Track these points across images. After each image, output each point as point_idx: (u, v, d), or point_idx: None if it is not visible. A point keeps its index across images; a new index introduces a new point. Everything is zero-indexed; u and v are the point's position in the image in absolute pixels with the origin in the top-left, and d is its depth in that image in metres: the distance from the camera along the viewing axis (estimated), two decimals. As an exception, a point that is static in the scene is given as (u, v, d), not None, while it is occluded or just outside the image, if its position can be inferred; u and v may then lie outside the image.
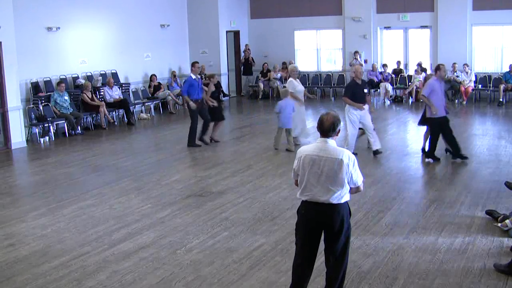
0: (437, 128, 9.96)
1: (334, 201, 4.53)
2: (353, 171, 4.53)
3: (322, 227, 4.63)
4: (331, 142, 4.57)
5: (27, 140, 13.12)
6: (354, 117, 10.43)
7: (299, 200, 4.77)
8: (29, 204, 8.31)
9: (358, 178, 4.60)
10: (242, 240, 6.58)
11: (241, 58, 21.26)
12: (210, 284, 5.45)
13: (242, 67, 21.23)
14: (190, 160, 11.14)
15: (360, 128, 10.76)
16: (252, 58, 20.90)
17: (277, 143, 11.48)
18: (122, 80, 17.04)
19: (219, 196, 8.37)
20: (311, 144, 4.71)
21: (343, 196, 4.57)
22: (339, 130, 4.62)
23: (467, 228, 6.76)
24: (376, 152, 10.62)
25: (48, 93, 14.34)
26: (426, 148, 10.33)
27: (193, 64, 12.22)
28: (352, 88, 10.52)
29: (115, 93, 15.80)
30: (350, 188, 4.61)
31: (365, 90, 10.65)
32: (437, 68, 10.11)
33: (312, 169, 4.54)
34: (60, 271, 5.82)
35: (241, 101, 20.35)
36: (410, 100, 18.21)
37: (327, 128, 4.53)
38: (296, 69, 11.92)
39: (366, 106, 10.52)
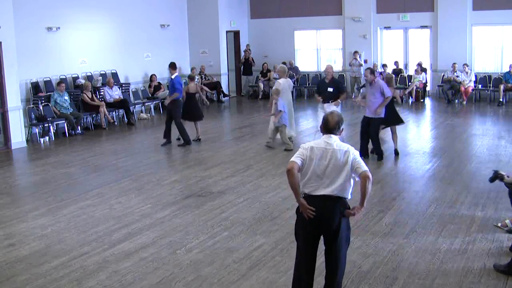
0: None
1: (336, 193, 4.58)
2: (358, 160, 4.63)
3: (322, 222, 4.60)
4: (335, 137, 4.69)
5: (27, 140, 13.12)
6: None
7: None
8: (29, 204, 8.31)
9: (364, 165, 4.64)
10: (242, 240, 6.58)
11: (241, 58, 21.25)
12: (210, 284, 5.45)
13: (242, 67, 21.22)
14: (190, 160, 11.13)
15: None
16: (252, 58, 20.90)
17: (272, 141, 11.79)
18: (122, 80, 17.04)
19: (219, 196, 8.37)
20: (316, 141, 4.75)
21: (345, 190, 4.61)
22: (343, 129, 4.78)
23: (467, 228, 6.76)
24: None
25: (48, 93, 14.34)
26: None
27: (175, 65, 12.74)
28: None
29: (115, 93, 15.80)
30: (361, 179, 4.59)
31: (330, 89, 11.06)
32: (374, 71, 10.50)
33: (319, 160, 4.60)
34: (60, 271, 5.83)
35: (241, 101, 20.35)
36: (410, 100, 18.20)
37: (332, 127, 4.68)
38: (283, 68, 12.16)
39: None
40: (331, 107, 10.52)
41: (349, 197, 4.69)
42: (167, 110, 12.59)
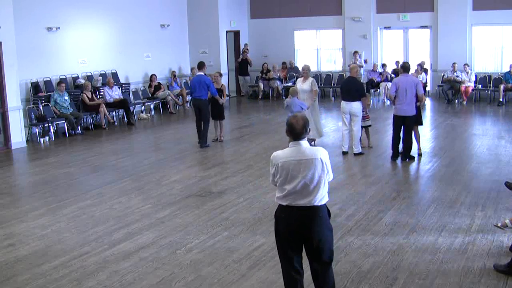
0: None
1: (316, 203, 4.44)
2: (328, 165, 4.50)
3: (303, 231, 4.46)
4: (304, 143, 4.49)
5: (27, 140, 13.13)
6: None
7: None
8: (29, 204, 8.31)
9: (331, 173, 4.56)
10: (242, 240, 6.58)
11: (239, 58, 21.19)
12: (210, 284, 5.45)
13: (239, 67, 21.13)
14: (190, 160, 11.14)
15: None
16: (249, 58, 20.82)
17: None
18: (122, 80, 17.04)
19: (219, 196, 8.37)
20: (284, 149, 4.54)
21: (324, 196, 4.49)
22: (310, 129, 4.59)
23: (467, 228, 6.76)
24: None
25: (48, 93, 14.34)
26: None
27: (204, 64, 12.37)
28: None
29: (115, 93, 15.79)
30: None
31: None
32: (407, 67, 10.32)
33: (292, 174, 4.41)
34: (60, 271, 5.83)
35: (241, 101, 20.35)
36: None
37: (300, 131, 4.44)
38: (304, 68, 11.76)
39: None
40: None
41: (328, 200, 4.55)
42: (199, 111, 12.01)
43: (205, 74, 12.18)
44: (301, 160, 4.42)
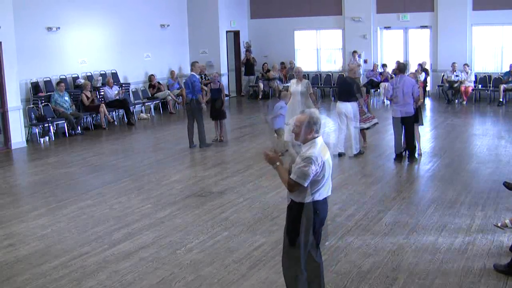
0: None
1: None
2: None
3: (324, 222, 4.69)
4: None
5: (27, 140, 13.12)
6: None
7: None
8: (29, 204, 8.32)
9: None
10: (242, 240, 6.58)
11: (242, 59, 21.20)
12: (210, 284, 5.45)
13: (244, 68, 21.16)
14: (190, 160, 11.14)
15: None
16: (253, 58, 20.84)
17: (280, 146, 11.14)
18: (122, 80, 17.04)
19: (219, 196, 8.37)
20: (318, 146, 4.41)
21: None
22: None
23: (467, 228, 6.76)
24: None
25: (48, 93, 14.34)
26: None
27: (194, 64, 12.39)
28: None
29: (115, 93, 15.79)
30: None
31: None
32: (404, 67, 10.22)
33: (331, 166, 4.55)
34: (60, 271, 5.83)
35: (241, 101, 20.35)
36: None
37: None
38: (297, 70, 11.78)
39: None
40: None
41: None
42: (191, 112, 11.92)
43: (196, 74, 12.20)
44: (329, 152, 4.59)
